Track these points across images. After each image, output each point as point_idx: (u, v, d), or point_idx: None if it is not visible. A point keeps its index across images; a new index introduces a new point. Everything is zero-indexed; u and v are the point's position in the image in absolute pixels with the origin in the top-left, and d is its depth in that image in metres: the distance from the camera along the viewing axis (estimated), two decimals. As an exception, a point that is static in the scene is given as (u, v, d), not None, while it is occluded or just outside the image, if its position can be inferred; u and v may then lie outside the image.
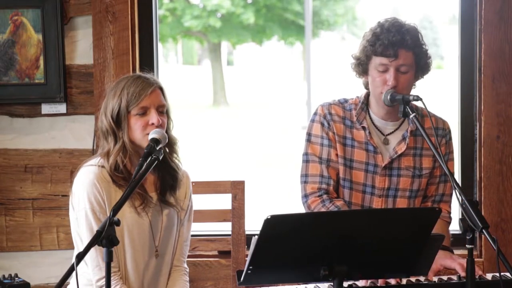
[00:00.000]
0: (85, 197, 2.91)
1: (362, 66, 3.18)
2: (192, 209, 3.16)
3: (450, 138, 3.29)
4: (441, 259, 2.99)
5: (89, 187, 2.91)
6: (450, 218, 3.27)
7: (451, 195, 3.28)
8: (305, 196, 3.20)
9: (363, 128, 3.20)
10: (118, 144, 2.94)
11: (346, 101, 3.28)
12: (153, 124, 2.91)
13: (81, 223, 2.92)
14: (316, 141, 3.22)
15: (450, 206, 3.30)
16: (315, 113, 3.25)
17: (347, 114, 3.23)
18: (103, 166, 2.95)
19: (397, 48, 3.09)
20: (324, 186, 3.17)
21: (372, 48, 3.12)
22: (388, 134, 3.24)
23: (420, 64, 3.17)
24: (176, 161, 3.07)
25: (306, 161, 3.23)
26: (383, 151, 3.21)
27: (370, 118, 3.24)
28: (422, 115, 3.25)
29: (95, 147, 3.91)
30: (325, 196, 3.15)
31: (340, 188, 3.22)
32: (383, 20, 3.18)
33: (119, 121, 2.94)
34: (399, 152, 3.20)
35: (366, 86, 3.25)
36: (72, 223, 3.00)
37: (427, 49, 3.19)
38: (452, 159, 3.30)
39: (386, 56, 3.10)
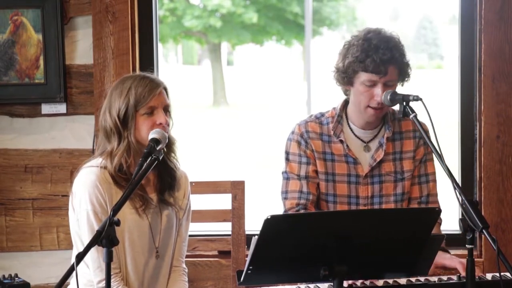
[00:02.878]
0: (86, 199, 2.90)
1: (347, 79, 3.19)
2: (191, 209, 3.16)
3: (429, 138, 3.29)
4: (441, 259, 3.00)
5: (91, 188, 2.90)
6: (440, 219, 3.27)
7: (436, 194, 3.31)
8: (284, 212, 3.23)
9: (341, 141, 3.22)
10: (122, 144, 2.93)
11: (322, 115, 3.29)
12: (160, 124, 2.92)
13: (82, 224, 2.92)
14: (294, 159, 3.24)
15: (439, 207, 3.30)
16: (292, 132, 3.28)
17: (324, 130, 3.25)
18: (104, 167, 2.94)
19: (387, 65, 3.11)
20: (302, 201, 3.19)
21: (361, 64, 3.12)
22: (369, 141, 3.25)
23: (403, 75, 3.20)
24: (174, 160, 3.07)
25: (286, 179, 3.26)
26: (363, 161, 3.23)
27: (350, 128, 3.25)
28: (400, 118, 3.24)
29: (95, 147, 3.91)
30: (302, 211, 3.17)
31: (323, 203, 3.24)
32: (367, 32, 3.16)
33: (126, 120, 2.93)
34: (378, 159, 3.22)
35: (346, 93, 3.26)
36: (72, 224, 2.99)
37: (408, 59, 3.20)
38: (432, 159, 3.31)
39: (376, 73, 3.11)
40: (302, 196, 3.20)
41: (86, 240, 2.88)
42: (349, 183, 3.22)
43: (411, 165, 3.26)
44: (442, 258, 3.01)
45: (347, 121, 3.26)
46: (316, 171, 3.23)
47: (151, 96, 2.93)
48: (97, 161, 2.97)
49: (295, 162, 3.24)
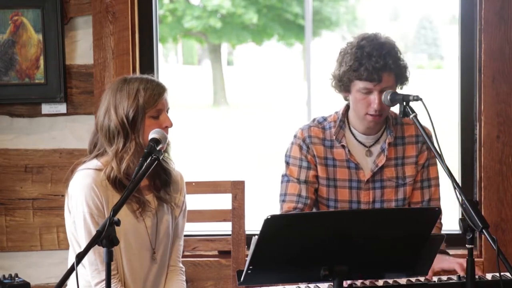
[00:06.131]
0: (83, 201, 2.90)
1: (343, 86, 3.19)
2: (186, 208, 3.16)
3: (430, 140, 3.28)
4: (439, 262, 2.98)
5: (87, 190, 2.90)
6: (440, 223, 3.26)
7: (438, 199, 3.30)
8: None
9: (343, 146, 3.22)
10: (130, 145, 2.92)
11: (325, 119, 3.29)
12: (166, 126, 2.93)
13: (79, 226, 2.92)
14: (294, 163, 3.24)
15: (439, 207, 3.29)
16: (295, 136, 3.28)
17: (326, 135, 3.25)
18: (99, 170, 2.94)
19: (381, 73, 3.09)
20: (300, 205, 3.20)
21: (355, 73, 3.11)
22: (371, 146, 3.25)
23: (401, 79, 3.19)
24: (169, 160, 3.07)
25: (286, 182, 3.26)
26: (364, 166, 3.23)
27: (352, 133, 3.25)
28: (402, 123, 3.25)
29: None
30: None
31: (324, 208, 3.24)
32: (361, 39, 3.15)
33: (134, 121, 2.92)
34: (380, 165, 3.22)
35: (346, 98, 3.26)
36: (68, 226, 3.00)
37: (405, 62, 3.18)
38: (435, 164, 3.30)
39: (370, 81, 3.10)
40: (300, 200, 3.20)
41: (83, 242, 2.89)
42: (351, 188, 3.22)
43: (413, 170, 3.26)
44: (441, 260, 3.01)
45: (349, 126, 3.26)
46: (316, 176, 3.23)
47: (159, 99, 2.94)
48: (93, 163, 2.97)
49: (295, 166, 3.24)
